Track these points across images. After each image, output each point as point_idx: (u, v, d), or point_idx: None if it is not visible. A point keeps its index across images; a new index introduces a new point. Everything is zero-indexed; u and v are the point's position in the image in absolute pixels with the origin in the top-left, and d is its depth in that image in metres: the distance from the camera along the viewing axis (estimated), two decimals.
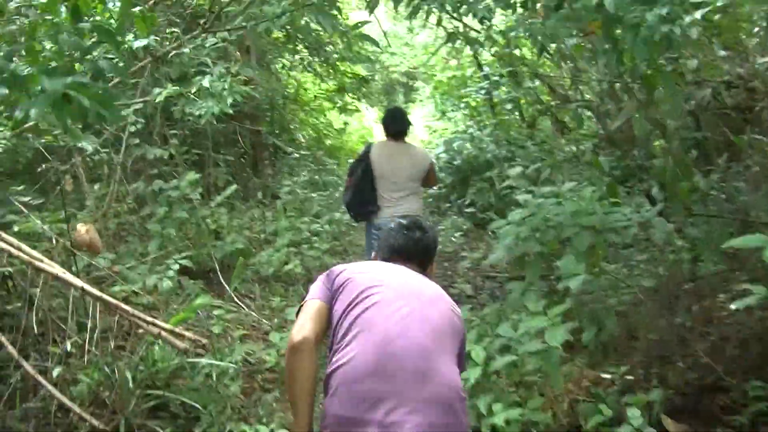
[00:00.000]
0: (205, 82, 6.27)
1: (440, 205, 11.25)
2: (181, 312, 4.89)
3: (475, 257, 6.86)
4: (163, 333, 4.38)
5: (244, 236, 8.16)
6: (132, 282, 5.51)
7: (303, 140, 15.04)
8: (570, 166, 8.28)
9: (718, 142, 6.51)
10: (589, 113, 9.37)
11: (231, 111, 6.50)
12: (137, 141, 7.16)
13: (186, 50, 6.36)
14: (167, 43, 6.82)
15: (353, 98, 17.27)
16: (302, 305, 2.54)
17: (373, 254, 3.04)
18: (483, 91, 11.70)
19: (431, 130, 14.69)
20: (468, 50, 14.12)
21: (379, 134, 21.84)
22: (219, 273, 6.75)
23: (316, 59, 13.55)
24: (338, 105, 15.08)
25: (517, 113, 12.04)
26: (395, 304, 2.40)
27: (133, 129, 6.89)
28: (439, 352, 2.34)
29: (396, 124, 5.71)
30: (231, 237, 7.04)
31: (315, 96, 14.82)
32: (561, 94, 12.35)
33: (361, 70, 15.01)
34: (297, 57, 13.31)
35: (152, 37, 5.45)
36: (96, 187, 7.06)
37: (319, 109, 15.55)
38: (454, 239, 8.85)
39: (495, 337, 4.43)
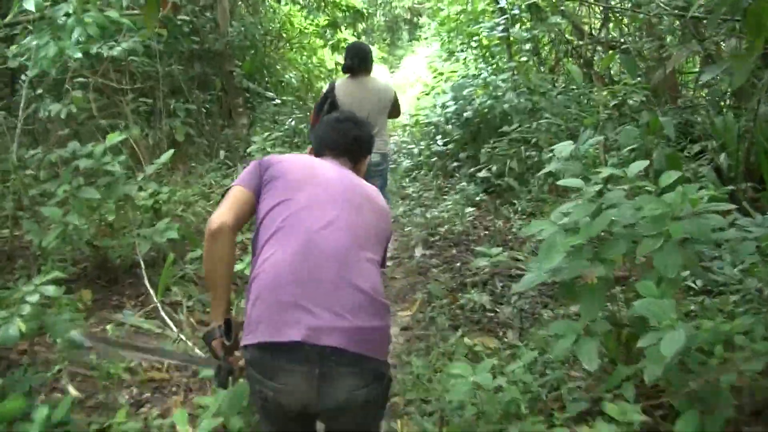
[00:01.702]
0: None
1: (446, 164, 9.31)
2: None
3: (495, 257, 5.06)
4: None
5: (191, 214, 6.35)
6: None
7: (294, 83, 13.10)
8: (614, 124, 6.39)
9: None
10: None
11: (78, 54, 4.58)
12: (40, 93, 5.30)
13: None
14: None
15: (352, 35, 15.36)
16: (227, 189, 2.52)
17: (308, 149, 2.93)
18: (500, 28, 9.66)
19: (437, 73, 12.66)
20: None
21: (380, 74, 20.05)
22: (144, 273, 4.97)
23: None
24: (330, 42, 13.08)
25: (535, 56, 10.07)
26: (321, 209, 2.39)
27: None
28: (363, 260, 2.33)
29: (350, 61, 5.64)
30: (166, 221, 5.19)
31: (300, 31, 12.77)
32: (588, 33, 10.51)
33: (356, 2, 12.97)
34: None
35: None
36: None
37: (309, 46, 13.54)
38: (462, 214, 7.00)
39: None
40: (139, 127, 7.68)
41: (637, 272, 3.48)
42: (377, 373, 2.25)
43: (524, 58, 10.12)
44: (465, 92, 9.13)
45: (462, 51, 12.12)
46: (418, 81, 16.41)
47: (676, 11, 5.94)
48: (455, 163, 9.15)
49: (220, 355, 2.44)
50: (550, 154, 7.26)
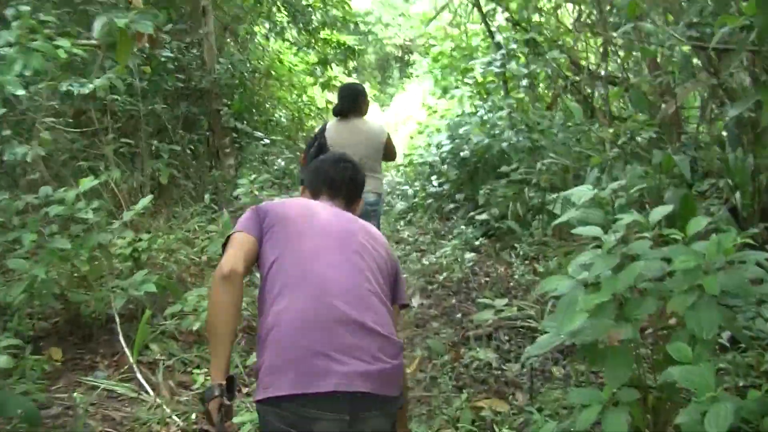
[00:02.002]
0: None
1: (443, 206, 8.94)
2: None
3: (498, 308, 4.67)
4: None
5: (174, 262, 5.97)
6: None
7: (284, 121, 12.78)
8: (622, 164, 6.04)
9: None
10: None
11: (21, 91, 4.18)
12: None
13: None
14: None
15: (343, 72, 15.09)
16: (230, 236, 2.42)
17: (301, 188, 2.85)
18: (498, 63, 9.35)
19: (431, 110, 12.34)
20: (474, 16, 11.90)
21: (372, 114, 19.72)
22: (119, 329, 4.57)
23: (292, 25, 11.29)
24: (321, 80, 12.78)
25: (531, 91, 9.76)
26: (326, 255, 2.34)
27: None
28: (376, 302, 2.30)
29: (341, 103, 5.51)
30: (143, 273, 4.78)
31: (290, 68, 12.47)
32: (584, 68, 10.23)
33: (347, 39, 12.72)
34: (268, 23, 10.98)
35: None
36: None
37: (299, 84, 13.24)
38: (462, 260, 6.62)
39: None
40: (120, 169, 7.31)
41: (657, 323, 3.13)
42: (395, 409, 2.30)
43: (521, 95, 9.82)
44: (461, 131, 8.79)
45: (457, 88, 11.81)
46: (411, 119, 16.14)
47: (693, 42, 5.61)
48: (452, 205, 8.79)
49: (216, 419, 2.19)
50: (554, 195, 6.99)
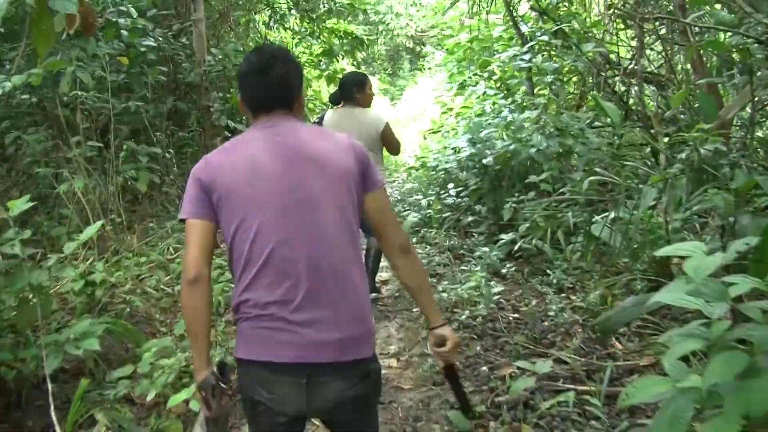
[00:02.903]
0: None
1: (461, 220, 7.84)
2: None
3: (539, 371, 3.63)
4: None
5: (140, 295, 4.95)
6: None
7: None
8: (687, 183, 5.01)
9: None
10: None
11: None
12: None
13: None
14: None
15: (351, 64, 14.03)
16: (185, 224, 2.28)
17: (240, 103, 2.49)
18: (526, 56, 8.24)
19: (445, 107, 11.25)
20: (495, 5, 10.79)
21: (381, 107, 18.64)
22: (51, 399, 3.53)
23: (294, 12, 10.22)
24: (326, 72, 11.70)
25: (562, 88, 8.67)
26: (281, 221, 2.21)
27: None
28: (344, 256, 2.25)
29: (336, 91, 5.62)
30: (84, 325, 3.73)
31: None
32: (613, 62, 9.15)
33: (355, 28, 11.63)
34: (269, 9, 9.92)
35: None
36: None
37: (303, 77, 12.20)
38: (488, 295, 5.54)
39: None
40: (91, 175, 6.29)
41: None
42: (364, 372, 2.27)
43: (547, 92, 8.75)
44: (483, 134, 7.68)
45: (470, 84, 10.70)
46: (423, 115, 15.06)
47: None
48: (471, 217, 7.71)
49: (213, 406, 2.25)
50: (598, 218, 5.94)
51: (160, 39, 7.74)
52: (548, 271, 6.02)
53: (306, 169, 2.27)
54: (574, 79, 9.98)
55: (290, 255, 2.17)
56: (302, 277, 2.15)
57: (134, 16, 7.05)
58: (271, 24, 10.38)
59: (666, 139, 5.37)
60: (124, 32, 6.92)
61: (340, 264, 2.21)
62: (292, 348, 2.14)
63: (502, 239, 6.59)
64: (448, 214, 7.96)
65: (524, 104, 8.48)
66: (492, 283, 5.78)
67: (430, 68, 18.38)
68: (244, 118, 9.51)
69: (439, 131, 10.77)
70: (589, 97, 9.16)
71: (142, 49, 7.13)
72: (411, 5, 26.95)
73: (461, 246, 7.22)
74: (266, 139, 2.32)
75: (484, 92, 9.54)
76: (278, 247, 2.18)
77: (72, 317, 4.43)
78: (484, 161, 7.26)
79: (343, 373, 2.19)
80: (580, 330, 4.92)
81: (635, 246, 5.25)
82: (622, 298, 4.90)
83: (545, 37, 8.13)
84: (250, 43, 11.31)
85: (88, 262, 5.25)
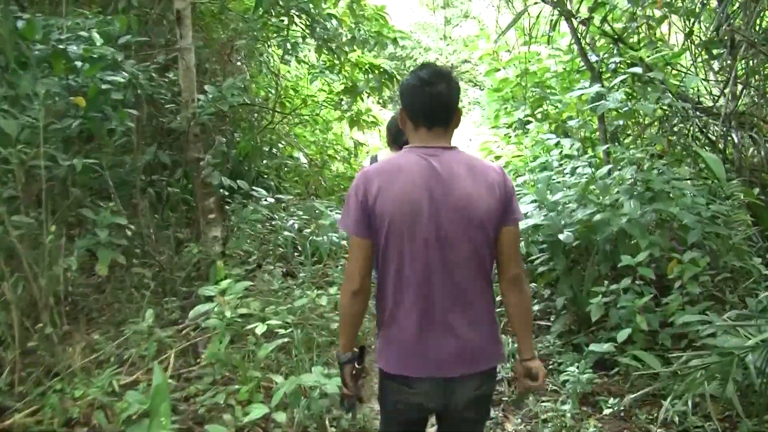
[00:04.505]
0: None
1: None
2: None
3: None
4: None
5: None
6: None
7: (305, 167, 9.97)
8: None
9: None
10: None
11: None
12: None
13: None
14: None
15: (376, 103, 12.30)
16: (350, 239, 2.56)
17: (400, 112, 2.69)
18: (599, 95, 6.37)
19: (491, 155, 9.40)
20: (554, 32, 8.94)
21: None
22: None
23: (310, 41, 8.46)
24: (348, 114, 9.90)
25: (663, 137, 6.78)
26: (425, 250, 2.45)
27: None
28: (476, 278, 2.49)
29: (400, 132, 4.58)
30: None
31: (304, 99, 9.58)
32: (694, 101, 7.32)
33: (382, 62, 9.83)
34: (279, 38, 8.17)
35: None
36: None
37: (321, 119, 10.39)
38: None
39: None
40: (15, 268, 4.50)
41: None
42: (493, 371, 2.61)
43: (628, 140, 6.89)
44: (558, 198, 5.75)
45: (527, 126, 8.85)
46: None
47: None
48: (537, 306, 5.81)
49: (349, 382, 2.66)
50: (720, 322, 4.17)
51: (138, 73, 5.97)
52: (662, 401, 4.14)
53: (452, 218, 2.46)
54: (647, 121, 8.13)
55: (427, 284, 2.44)
56: (437, 304, 2.44)
57: (97, 44, 5.34)
58: (286, 56, 8.56)
59: None
60: (78, 63, 5.20)
61: (471, 297, 2.48)
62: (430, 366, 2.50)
63: (591, 349, 4.71)
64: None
65: (597, 154, 6.62)
66: (585, 422, 3.89)
67: (463, 106, 16.55)
68: (245, 176, 7.73)
69: None
70: (676, 146, 7.25)
71: (104, 87, 5.37)
72: (440, 39, 25.51)
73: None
74: (423, 173, 2.48)
75: (558, 142, 7.57)
76: (421, 276, 2.45)
77: None
78: (561, 237, 5.34)
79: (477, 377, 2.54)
80: None
81: None
82: None
83: (622, 70, 6.26)
84: (260, 80, 9.57)
85: None
